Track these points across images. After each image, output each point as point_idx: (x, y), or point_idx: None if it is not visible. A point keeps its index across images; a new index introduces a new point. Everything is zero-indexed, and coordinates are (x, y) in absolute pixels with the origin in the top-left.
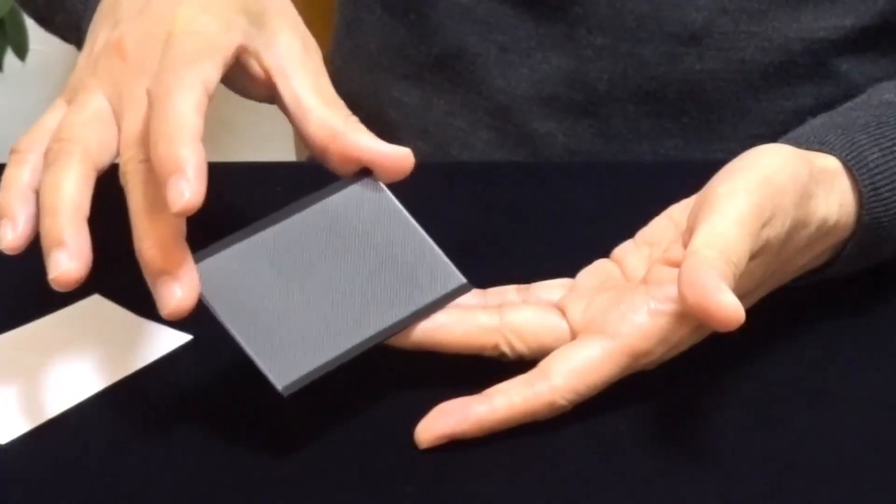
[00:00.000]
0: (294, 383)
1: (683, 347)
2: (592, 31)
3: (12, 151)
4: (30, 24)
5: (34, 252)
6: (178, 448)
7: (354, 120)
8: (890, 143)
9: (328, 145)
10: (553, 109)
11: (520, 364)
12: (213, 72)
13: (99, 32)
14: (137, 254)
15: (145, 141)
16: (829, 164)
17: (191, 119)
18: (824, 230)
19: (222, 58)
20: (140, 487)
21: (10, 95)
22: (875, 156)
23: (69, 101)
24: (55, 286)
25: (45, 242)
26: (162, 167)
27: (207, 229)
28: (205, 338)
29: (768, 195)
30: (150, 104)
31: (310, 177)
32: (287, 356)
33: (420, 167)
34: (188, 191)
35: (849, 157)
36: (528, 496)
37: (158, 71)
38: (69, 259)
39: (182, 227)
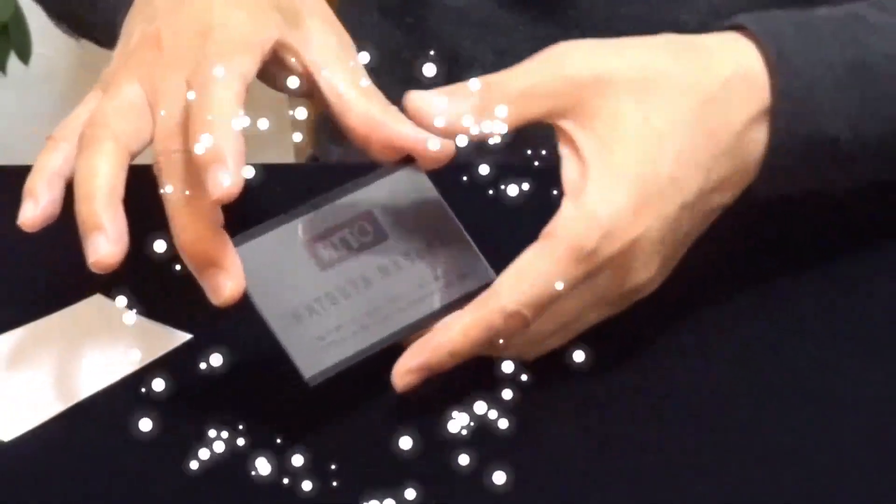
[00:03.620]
0: (320, 374)
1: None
2: (586, 33)
3: (47, 139)
4: (33, 28)
5: (36, 252)
6: (177, 446)
7: (394, 110)
8: (806, 20)
9: (370, 135)
10: None
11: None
12: (250, 65)
13: (135, 27)
14: (178, 246)
15: (181, 133)
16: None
17: (231, 109)
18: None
19: (260, 52)
20: (140, 483)
21: (13, 97)
22: (788, 28)
23: (104, 91)
24: (95, 269)
25: (83, 227)
26: (202, 156)
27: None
28: (204, 336)
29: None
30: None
31: (309, 178)
32: (316, 346)
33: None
34: (228, 178)
35: (757, 29)
36: (525, 494)
37: (197, 63)
38: (107, 243)
39: (220, 216)
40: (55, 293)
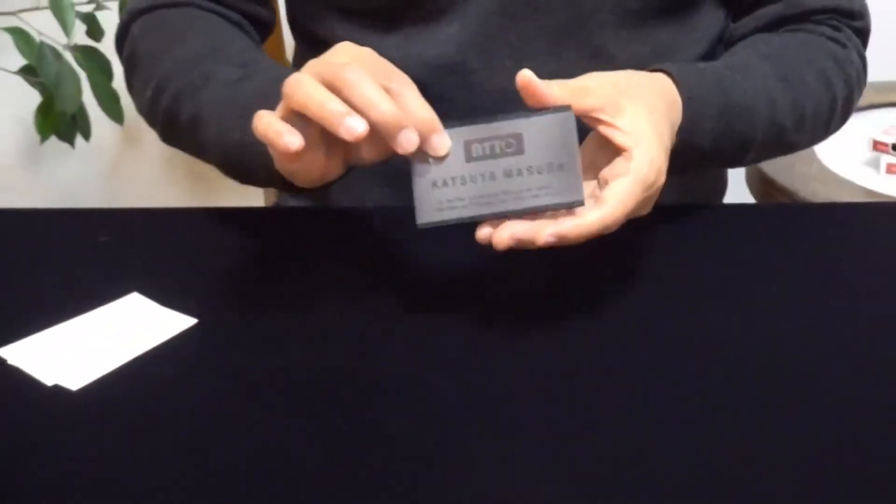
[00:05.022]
0: (427, 224)
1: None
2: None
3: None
4: (92, 116)
5: (90, 264)
6: (185, 398)
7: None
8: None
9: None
10: None
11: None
12: None
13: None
14: (383, 121)
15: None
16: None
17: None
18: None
19: None
20: (156, 421)
21: (79, 164)
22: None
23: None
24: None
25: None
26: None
27: (185, 268)
28: (205, 322)
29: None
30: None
31: (279, 221)
32: (434, 206)
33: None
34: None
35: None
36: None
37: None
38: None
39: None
40: (105, 293)
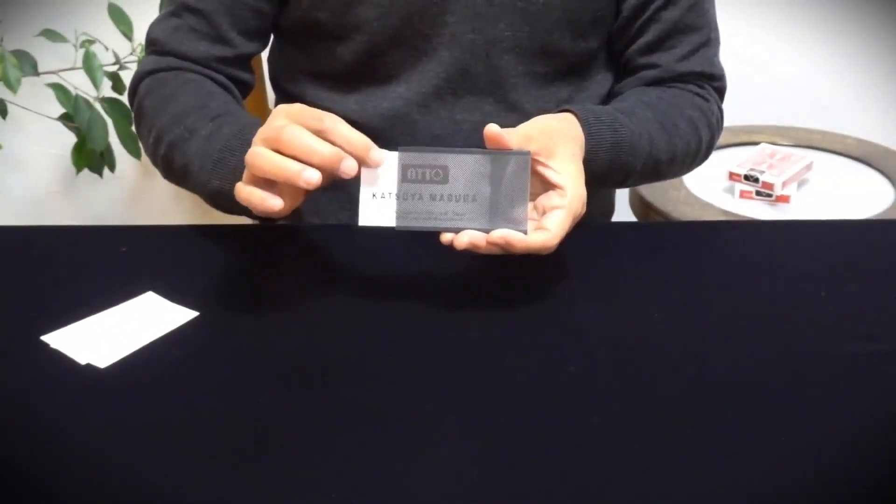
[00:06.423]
0: (367, 226)
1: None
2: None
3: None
4: (117, 154)
5: (114, 269)
6: (189, 374)
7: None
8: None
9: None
10: None
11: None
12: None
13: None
14: (323, 162)
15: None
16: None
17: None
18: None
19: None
20: (167, 391)
21: (107, 189)
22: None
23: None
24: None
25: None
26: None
27: (189, 272)
28: (205, 315)
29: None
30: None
31: (263, 236)
32: (375, 213)
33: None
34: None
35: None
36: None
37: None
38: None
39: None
40: (124, 293)
